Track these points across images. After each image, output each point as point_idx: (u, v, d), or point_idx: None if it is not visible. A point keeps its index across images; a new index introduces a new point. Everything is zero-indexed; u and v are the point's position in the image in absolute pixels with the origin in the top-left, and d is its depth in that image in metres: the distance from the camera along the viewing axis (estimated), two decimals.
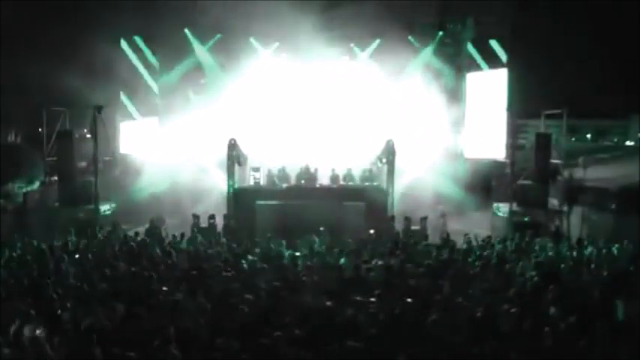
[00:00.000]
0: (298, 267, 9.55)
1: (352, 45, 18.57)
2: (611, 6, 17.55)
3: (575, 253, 10.58)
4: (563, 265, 9.55)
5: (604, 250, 10.69)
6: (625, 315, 6.46)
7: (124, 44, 17.82)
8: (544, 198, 15.22)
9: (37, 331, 5.74)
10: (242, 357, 5.28)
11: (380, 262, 9.56)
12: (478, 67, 18.30)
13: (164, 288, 7.65)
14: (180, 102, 17.78)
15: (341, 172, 16.85)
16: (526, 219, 15.06)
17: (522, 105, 17.25)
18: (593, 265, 9.60)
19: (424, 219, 14.71)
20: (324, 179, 16.76)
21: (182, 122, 17.67)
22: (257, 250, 10.86)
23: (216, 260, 9.69)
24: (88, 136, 16.37)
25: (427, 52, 18.45)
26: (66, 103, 15.90)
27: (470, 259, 10.11)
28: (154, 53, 18.02)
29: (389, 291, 7.52)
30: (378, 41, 18.36)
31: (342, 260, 9.64)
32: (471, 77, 18.71)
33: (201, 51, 18.32)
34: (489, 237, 12.60)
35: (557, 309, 6.62)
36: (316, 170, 16.79)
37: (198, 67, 18.44)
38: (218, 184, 15.86)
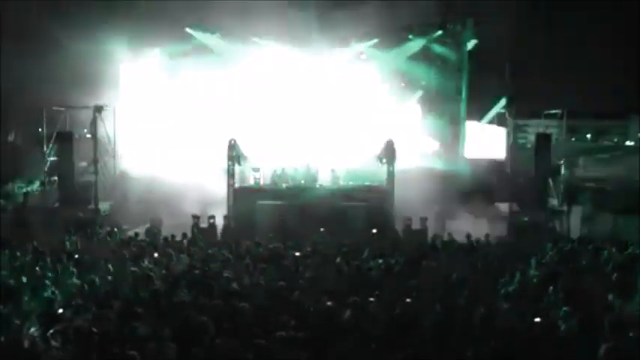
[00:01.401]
0: (298, 267, 9.54)
1: (352, 44, 18.57)
2: (612, 6, 17.54)
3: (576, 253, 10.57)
4: (564, 266, 9.55)
5: (606, 251, 10.67)
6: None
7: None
8: (544, 198, 15.23)
9: (34, 329, 5.74)
10: (242, 357, 5.27)
11: (380, 262, 9.56)
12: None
13: (165, 288, 7.65)
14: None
15: (341, 173, 16.86)
16: (526, 219, 15.07)
17: (522, 105, 17.25)
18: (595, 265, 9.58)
19: (424, 219, 14.72)
20: (324, 179, 16.77)
21: (182, 121, 17.69)
22: (258, 250, 10.86)
23: (217, 260, 9.70)
24: (88, 136, 16.36)
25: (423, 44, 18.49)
26: (66, 103, 15.90)
27: (470, 260, 10.11)
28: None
29: (389, 291, 7.51)
30: (377, 41, 18.37)
31: (342, 260, 9.63)
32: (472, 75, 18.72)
33: (206, 38, 18.21)
34: (487, 235, 12.62)
35: (559, 310, 6.61)
36: (317, 170, 16.79)
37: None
38: (218, 184, 15.86)
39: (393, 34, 18.04)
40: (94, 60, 16.18)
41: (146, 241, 11.99)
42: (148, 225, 14.82)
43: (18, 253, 9.97)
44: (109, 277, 8.36)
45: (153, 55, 18.10)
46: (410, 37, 18.48)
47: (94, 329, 5.72)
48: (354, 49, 18.49)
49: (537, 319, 6.13)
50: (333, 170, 16.80)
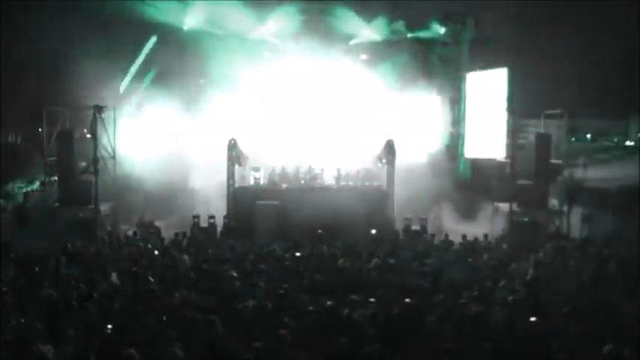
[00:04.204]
0: (299, 267, 9.54)
1: (352, 44, 18.55)
2: (611, 5, 17.56)
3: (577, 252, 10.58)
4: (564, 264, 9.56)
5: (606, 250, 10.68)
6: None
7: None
8: (544, 198, 15.22)
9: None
10: (243, 357, 5.27)
11: (380, 262, 9.57)
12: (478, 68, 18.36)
13: (165, 288, 7.65)
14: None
15: (341, 172, 16.88)
16: (526, 219, 15.07)
17: (522, 105, 17.25)
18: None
19: (424, 219, 14.72)
20: (324, 179, 16.78)
21: (182, 121, 17.67)
22: (259, 250, 10.86)
23: (217, 260, 9.70)
24: (88, 136, 16.34)
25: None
26: (66, 103, 15.89)
27: (469, 260, 10.12)
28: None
29: (389, 291, 7.51)
30: (378, 41, 18.37)
31: (342, 260, 9.63)
32: (471, 77, 18.72)
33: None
34: (486, 235, 12.62)
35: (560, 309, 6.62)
36: (317, 170, 16.80)
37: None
38: (218, 184, 15.85)
39: (394, 35, 18.06)
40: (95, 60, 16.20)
41: (146, 241, 12.00)
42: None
43: (19, 254, 9.98)
44: (109, 277, 8.36)
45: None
46: (410, 37, 18.51)
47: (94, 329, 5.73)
48: (354, 47, 18.50)
49: (533, 319, 6.15)
50: (332, 170, 16.80)
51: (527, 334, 6.04)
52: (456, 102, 18.79)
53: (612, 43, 17.72)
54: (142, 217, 14.88)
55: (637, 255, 10.21)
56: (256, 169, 16.69)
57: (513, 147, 16.41)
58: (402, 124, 17.77)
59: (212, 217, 14.65)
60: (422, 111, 18.41)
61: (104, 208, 15.51)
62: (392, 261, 9.73)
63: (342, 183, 16.62)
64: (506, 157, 16.66)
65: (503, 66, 17.61)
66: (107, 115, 16.01)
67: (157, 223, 14.97)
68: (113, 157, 16.61)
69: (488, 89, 18.08)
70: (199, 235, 13.68)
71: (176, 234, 12.61)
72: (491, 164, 17.77)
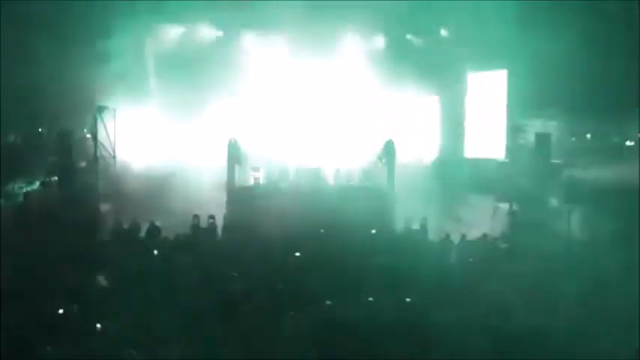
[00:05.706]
0: (299, 267, 9.55)
1: (351, 44, 18.53)
2: (611, 5, 17.56)
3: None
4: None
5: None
6: None
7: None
8: (544, 198, 15.23)
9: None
10: (243, 355, 5.28)
11: (379, 262, 9.57)
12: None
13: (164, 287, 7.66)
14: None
15: (341, 172, 16.89)
16: (526, 219, 15.07)
17: (522, 105, 17.26)
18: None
19: (424, 219, 14.70)
20: (324, 179, 16.79)
21: (182, 120, 17.67)
22: (258, 250, 10.86)
23: (217, 260, 9.71)
24: (88, 136, 16.35)
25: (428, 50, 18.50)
26: (66, 103, 15.89)
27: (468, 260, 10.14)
28: None
29: (389, 291, 7.53)
30: (378, 39, 18.38)
31: (342, 260, 9.63)
32: (472, 77, 18.72)
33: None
34: (485, 235, 12.62)
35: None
36: (317, 170, 16.82)
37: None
38: (218, 184, 15.84)
39: (394, 33, 18.07)
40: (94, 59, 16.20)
41: (146, 240, 12.01)
42: (147, 225, 14.78)
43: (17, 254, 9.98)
44: (109, 277, 8.37)
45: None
46: (409, 36, 18.52)
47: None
48: (353, 46, 18.51)
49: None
50: (333, 170, 16.81)
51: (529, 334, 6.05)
52: (457, 102, 18.78)
53: (613, 42, 17.73)
54: (134, 220, 14.85)
55: (637, 255, 10.22)
56: (256, 169, 16.69)
57: (513, 147, 16.42)
58: (402, 123, 17.78)
59: (212, 217, 14.63)
60: (422, 110, 18.41)
61: (104, 207, 15.52)
62: (392, 261, 9.73)
63: (342, 183, 16.62)
64: (506, 157, 16.66)
65: (503, 66, 17.64)
66: (107, 115, 16.04)
67: (157, 224, 14.94)
68: (113, 157, 16.64)
69: (489, 89, 18.11)
70: (199, 235, 13.65)
71: (176, 235, 12.58)
72: (491, 164, 17.78)
